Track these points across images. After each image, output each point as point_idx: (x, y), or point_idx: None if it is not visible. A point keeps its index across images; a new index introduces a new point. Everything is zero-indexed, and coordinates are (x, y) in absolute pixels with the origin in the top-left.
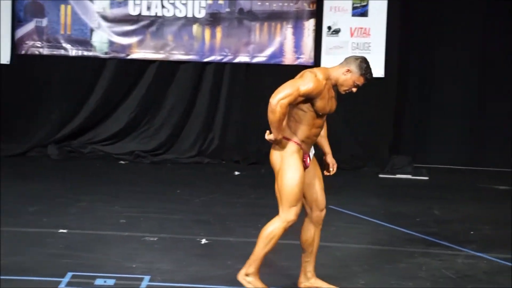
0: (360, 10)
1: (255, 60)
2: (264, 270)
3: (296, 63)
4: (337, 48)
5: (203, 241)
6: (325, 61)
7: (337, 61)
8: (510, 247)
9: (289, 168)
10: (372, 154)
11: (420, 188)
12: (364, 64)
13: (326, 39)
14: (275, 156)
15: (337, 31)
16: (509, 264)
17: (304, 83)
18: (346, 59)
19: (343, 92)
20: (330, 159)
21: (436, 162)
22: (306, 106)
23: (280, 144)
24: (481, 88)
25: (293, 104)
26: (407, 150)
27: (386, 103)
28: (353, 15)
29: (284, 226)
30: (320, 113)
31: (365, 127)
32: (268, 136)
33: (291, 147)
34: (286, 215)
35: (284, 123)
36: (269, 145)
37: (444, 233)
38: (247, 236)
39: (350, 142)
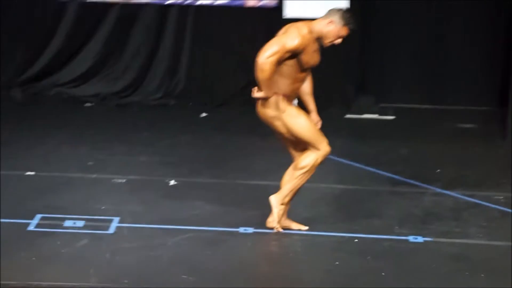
0: None
1: (218, 2)
2: (236, 210)
3: (259, 5)
4: None
5: (171, 182)
6: (289, 2)
7: (301, 3)
8: (474, 184)
9: (294, 116)
10: (338, 95)
11: (387, 128)
12: (347, 14)
13: None
14: (269, 110)
15: None
16: (474, 200)
17: (289, 39)
18: (329, 10)
19: (327, 45)
20: (314, 116)
21: (402, 101)
22: (290, 61)
23: (267, 100)
24: (444, 24)
25: (280, 61)
26: (374, 90)
27: (352, 43)
28: None
29: (322, 159)
30: (304, 67)
31: (331, 68)
32: (257, 94)
33: (281, 100)
34: (323, 150)
35: None
36: (236, 87)
37: (410, 171)
38: (214, 177)
39: (315, 84)
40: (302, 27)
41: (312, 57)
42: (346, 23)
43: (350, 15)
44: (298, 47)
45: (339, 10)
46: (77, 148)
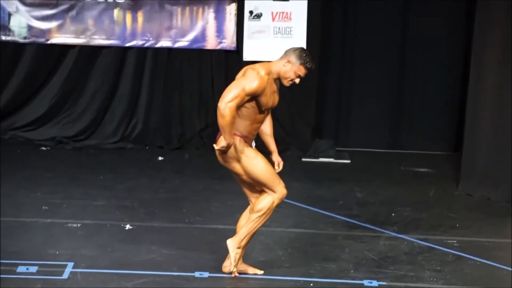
0: None
1: (177, 44)
2: (192, 254)
3: (218, 47)
4: (259, 33)
5: (127, 226)
6: (247, 45)
7: (259, 46)
8: (429, 228)
9: (251, 158)
10: (295, 138)
11: (343, 172)
12: (303, 54)
13: (248, 24)
14: (226, 152)
15: (258, 16)
16: (429, 244)
17: (248, 82)
18: (286, 51)
19: (287, 84)
20: (276, 157)
21: (358, 146)
22: (249, 103)
23: (229, 148)
24: (401, 71)
25: (240, 105)
26: (330, 134)
27: (309, 87)
28: None
29: (278, 201)
30: (263, 109)
31: (288, 111)
32: (220, 145)
33: (238, 140)
34: (279, 193)
35: None
36: (192, 130)
37: (366, 215)
38: (171, 221)
39: (272, 126)
40: (260, 69)
41: (271, 98)
42: (303, 62)
43: (306, 53)
44: (257, 89)
45: (296, 49)
46: (33, 192)
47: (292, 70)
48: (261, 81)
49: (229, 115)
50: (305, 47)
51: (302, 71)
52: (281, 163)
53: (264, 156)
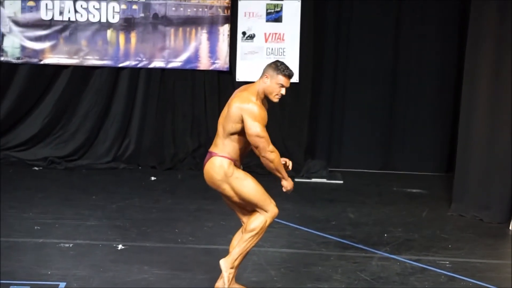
0: (274, 16)
1: (170, 65)
2: (184, 274)
3: (211, 68)
4: (252, 53)
5: (120, 246)
6: (240, 66)
7: (252, 66)
8: (421, 248)
9: (241, 179)
10: (288, 159)
11: (335, 192)
12: (278, 63)
13: (241, 44)
14: (216, 175)
15: (251, 37)
16: (421, 265)
17: (256, 116)
18: (263, 69)
19: (276, 100)
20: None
21: (350, 166)
22: (242, 128)
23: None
24: (393, 92)
25: (233, 131)
26: (322, 155)
27: (301, 108)
28: (267, 20)
29: (271, 220)
30: None
31: (281, 132)
32: (287, 188)
33: (228, 163)
34: (271, 212)
35: (220, 141)
36: (184, 150)
37: (359, 236)
38: (164, 241)
39: None
40: (250, 96)
41: None
42: (280, 71)
43: (281, 63)
44: (265, 114)
45: (271, 63)
46: (25, 212)
47: (274, 82)
48: (260, 107)
49: (274, 156)
50: (298, 68)
51: (282, 80)
52: (289, 161)
53: (254, 177)
